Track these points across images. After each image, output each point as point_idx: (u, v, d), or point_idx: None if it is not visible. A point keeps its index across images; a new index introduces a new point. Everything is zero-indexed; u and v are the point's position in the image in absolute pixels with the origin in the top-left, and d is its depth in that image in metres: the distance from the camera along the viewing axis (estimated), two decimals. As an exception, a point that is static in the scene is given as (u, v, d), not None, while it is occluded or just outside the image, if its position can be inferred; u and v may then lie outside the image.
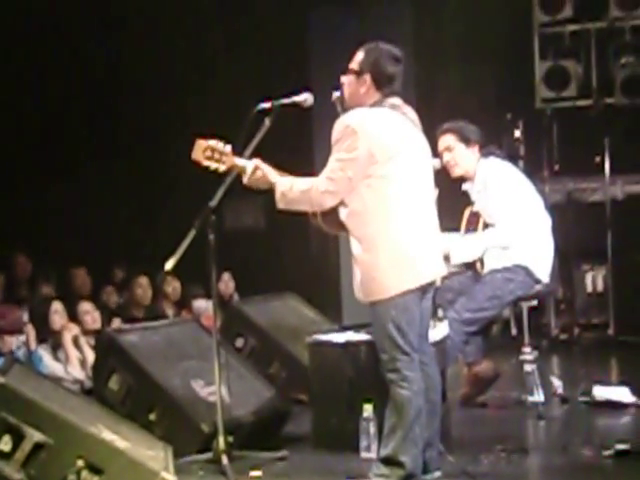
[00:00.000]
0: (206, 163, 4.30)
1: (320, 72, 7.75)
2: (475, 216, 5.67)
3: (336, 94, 4.29)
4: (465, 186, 5.70)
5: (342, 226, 4.18)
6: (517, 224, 5.43)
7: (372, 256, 4.05)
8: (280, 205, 4.20)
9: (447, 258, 5.33)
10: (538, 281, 5.49)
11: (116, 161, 8.48)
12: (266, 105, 4.38)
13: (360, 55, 4.20)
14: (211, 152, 4.29)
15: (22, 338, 6.11)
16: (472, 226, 5.68)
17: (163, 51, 8.38)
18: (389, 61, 4.16)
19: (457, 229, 5.73)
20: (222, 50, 8.56)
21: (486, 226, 5.58)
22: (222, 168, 4.32)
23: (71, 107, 8.36)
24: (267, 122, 4.37)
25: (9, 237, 7.72)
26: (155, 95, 8.49)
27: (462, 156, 5.60)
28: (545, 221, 5.59)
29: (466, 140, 5.59)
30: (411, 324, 4.06)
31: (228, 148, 4.32)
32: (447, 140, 5.60)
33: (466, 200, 5.74)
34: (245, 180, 4.29)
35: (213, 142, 4.31)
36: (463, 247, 5.49)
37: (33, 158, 8.19)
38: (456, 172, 5.64)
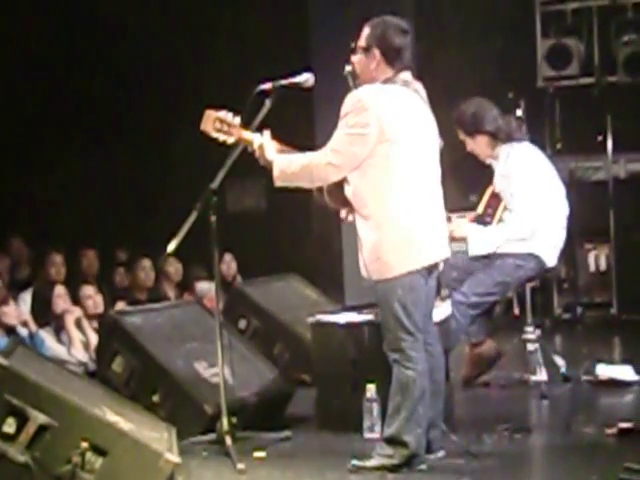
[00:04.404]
0: (214, 134, 4.28)
1: (321, 52, 7.71)
2: (496, 198, 5.66)
3: (348, 68, 4.27)
4: (489, 160, 5.68)
5: (346, 202, 4.17)
6: (537, 217, 5.42)
7: (377, 236, 4.04)
8: (278, 182, 4.17)
9: (462, 239, 5.35)
10: (547, 270, 5.51)
11: (118, 144, 8.46)
12: (266, 86, 4.35)
13: (366, 31, 4.18)
14: (220, 123, 4.27)
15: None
16: (491, 209, 5.68)
17: (163, 33, 8.33)
18: (396, 33, 4.13)
19: (465, 209, 5.72)
20: (222, 31, 8.51)
21: (505, 211, 5.57)
22: (230, 140, 4.30)
23: (71, 90, 8.33)
24: (268, 103, 4.34)
25: (9, 221, 7.71)
26: (156, 78, 8.45)
27: (474, 147, 5.62)
28: (563, 211, 5.58)
29: (469, 133, 5.58)
30: (417, 304, 4.06)
31: (237, 120, 4.29)
32: (459, 134, 5.62)
33: (485, 176, 5.71)
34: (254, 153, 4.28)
35: (222, 113, 4.29)
36: (482, 239, 5.47)
37: (34, 141, 8.17)
38: (481, 159, 5.66)
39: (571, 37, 8.52)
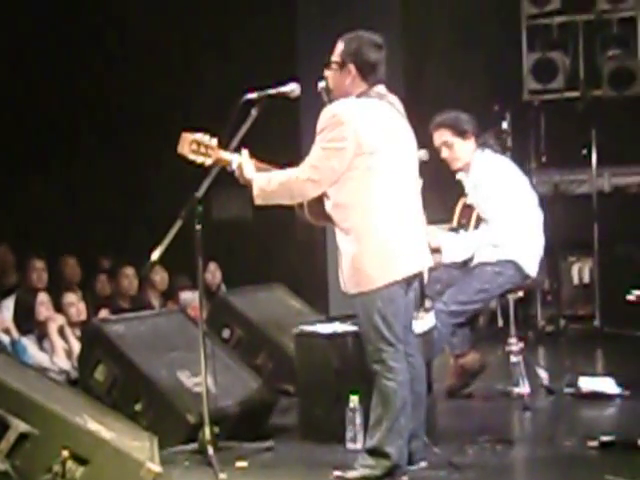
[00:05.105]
0: (192, 157, 4.28)
1: (307, 62, 7.72)
2: (469, 208, 5.67)
3: (321, 85, 4.27)
4: (459, 175, 5.68)
5: (328, 218, 4.17)
6: (510, 223, 5.43)
7: (357, 248, 4.05)
8: (258, 201, 4.17)
9: (438, 250, 5.34)
10: (527, 277, 5.51)
11: (102, 151, 8.45)
12: (252, 96, 4.36)
13: (340, 46, 4.17)
14: (197, 146, 4.27)
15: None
16: (465, 219, 5.68)
17: (151, 43, 8.33)
18: (371, 49, 4.13)
19: (447, 220, 5.73)
20: (208, 41, 8.52)
21: (479, 220, 5.58)
22: (208, 162, 4.30)
23: (58, 101, 8.32)
24: (254, 113, 4.35)
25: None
26: (142, 87, 8.45)
27: (461, 150, 5.55)
28: (537, 217, 5.59)
29: (462, 133, 5.54)
30: (397, 315, 4.07)
31: (214, 141, 4.29)
32: (443, 136, 5.55)
33: (458, 190, 5.72)
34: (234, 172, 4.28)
35: (199, 135, 4.29)
36: (456, 246, 5.48)
37: (17, 149, 8.15)
38: (457, 166, 5.61)
39: (557, 51, 8.56)
